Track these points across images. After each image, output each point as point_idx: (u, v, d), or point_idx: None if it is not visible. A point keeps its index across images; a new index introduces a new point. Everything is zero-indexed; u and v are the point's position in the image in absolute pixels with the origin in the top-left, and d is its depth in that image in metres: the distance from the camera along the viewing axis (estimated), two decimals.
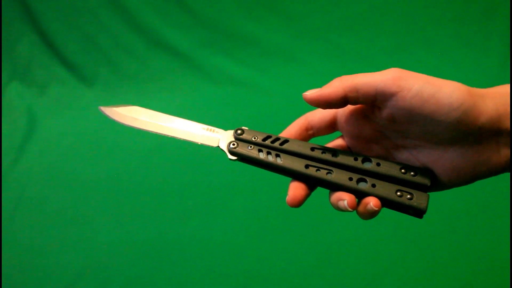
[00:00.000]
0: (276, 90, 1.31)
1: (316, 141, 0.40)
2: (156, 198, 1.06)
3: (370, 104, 0.34)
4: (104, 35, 1.35)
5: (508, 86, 0.32)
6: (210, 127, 0.41)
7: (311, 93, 0.35)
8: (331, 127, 0.39)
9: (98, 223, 1.02)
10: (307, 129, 0.39)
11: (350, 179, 0.35)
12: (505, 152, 0.32)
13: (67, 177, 1.13)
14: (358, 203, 0.35)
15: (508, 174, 0.33)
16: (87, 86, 1.37)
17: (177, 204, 1.05)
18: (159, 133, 0.41)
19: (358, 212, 0.35)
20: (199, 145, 0.41)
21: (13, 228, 1.01)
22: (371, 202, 0.33)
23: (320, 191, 0.38)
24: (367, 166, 0.36)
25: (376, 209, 0.33)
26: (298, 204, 0.36)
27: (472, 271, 0.87)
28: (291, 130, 0.39)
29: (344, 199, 0.34)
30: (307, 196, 0.37)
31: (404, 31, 1.32)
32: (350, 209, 0.34)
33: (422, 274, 0.88)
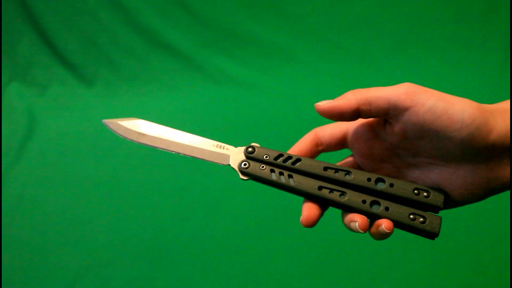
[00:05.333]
0: (276, 90, 1.30)
1: (325, 156, 0.39)
2: (156, 198, 1.06)
3: (382, 118, 0.35)
4: (104, 35, 1.35)
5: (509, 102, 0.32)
6: (219, 143, 0.40)
7: (323, 104, 0.34)
8: (341, 144, 0.39)
9: (98, 223, 1.02)
10: (317, 144, 0.39)
11: (364, 201, 0.35)
12: None
13: (67, 177, 1.13)
14: (371, 224, 0.35)
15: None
16: (87, 86, 1.37)
17: (177, 204, 1.05)
18: (167, 149, 0.40)
19: (370, 233, 0.35)
20: (208, 162, 0.39)
21: (13, 228, 1.01)
22: (384, 224, 0.34)
23: None
24: (381, 187, 0.36)
25: (388, 231, 0.33)
26: (312, 224, 0.36)
27: (472, 271, 0.87)
28: (301, 146, 0.39)
29: (356, 220, 0.34)
30: (320, 215, 0.37)
31: (404, 31, 1.32)
32: (361, 231, 0.34)
33: (422, 274, 0.88)
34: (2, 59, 1.38)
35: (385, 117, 0.33)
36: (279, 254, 0.93)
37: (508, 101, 0.32)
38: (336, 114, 0.34)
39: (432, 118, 0.31)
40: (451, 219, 0.95)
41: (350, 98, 0.34)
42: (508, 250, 0.88)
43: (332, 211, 0.38)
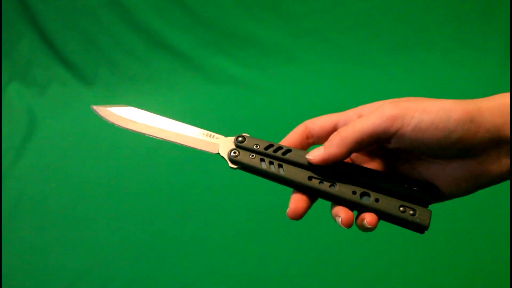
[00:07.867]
0: (276, 90, 1.30)
1: None
2: (156, 198, 1.06)
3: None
4: (104, 35, 1.35)
5: (504, 96, 0.32)
6: (209, 133, 0.40)
7: (315, 157, 0.35)
8: None
9: (98, 223, 1.02)
10: (307, 137, 0.39)
11: (354, 192, 0.35)
12: (505, 161, 0.32)
13: (67, 177, 1.13)
14: (358, 217, 0.35)
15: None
16: (87, 86, 1.37)
17: (177, 204, 1.05)
18: (156, 136, 0.39)
19: (356, 225, 0.35)
20: (197, 151, 0.39)
21: (13, 228, 1.01)
22: (366, 219, 0.34)
23: None
24: (370, 179, 0.35)
25: (370, 227, 0.33)
26: (299, 216, 0.36)
27: (472, 271, 0.87)
28: (291, 138, 0.39)
29: (340, 216, 0.34)
30: (308, 208, 0.36)
31: (404, 31, 1.32)
32: (344, 227, 0.34)
33: (422, 274, 0.88)
34: (2, 59, 1.38)
35: (377, 143, 0.34)
36: (279, 253, 0.93)
37: (499, 96, 0.33)
38: (331, 163, 0.35)
39: (420, 133, 0.31)
40: (451, 219, 0.95)
41: (339, 145, 0.34)
42: (508, 249, 0.88)
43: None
